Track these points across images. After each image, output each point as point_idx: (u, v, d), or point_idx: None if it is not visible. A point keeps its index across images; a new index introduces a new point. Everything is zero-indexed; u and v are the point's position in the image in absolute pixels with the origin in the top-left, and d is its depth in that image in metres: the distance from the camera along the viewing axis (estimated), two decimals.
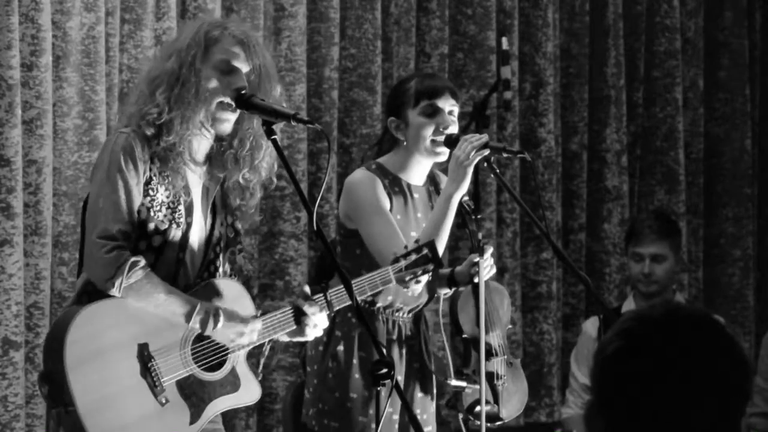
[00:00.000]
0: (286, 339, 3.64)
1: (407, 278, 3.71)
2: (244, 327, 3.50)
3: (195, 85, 3.49)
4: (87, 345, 3.37)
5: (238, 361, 3.56)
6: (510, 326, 4.52)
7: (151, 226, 3.49)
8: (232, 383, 3.56)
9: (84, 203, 3.58)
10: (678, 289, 5.91)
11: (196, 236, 3.57)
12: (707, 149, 6.75)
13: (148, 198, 3.49)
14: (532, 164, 4.77)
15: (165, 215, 3.51)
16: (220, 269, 3.64)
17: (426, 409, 4.19)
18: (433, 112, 4.06)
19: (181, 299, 3.46)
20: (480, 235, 4.03)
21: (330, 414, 4.05)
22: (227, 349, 3.53)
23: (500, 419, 4.25)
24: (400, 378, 4.10)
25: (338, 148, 5.55)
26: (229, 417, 4.32)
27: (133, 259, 3.41)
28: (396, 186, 4.11)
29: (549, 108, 6.15)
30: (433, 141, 4.05)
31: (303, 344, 4.19)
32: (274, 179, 3.70)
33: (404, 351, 4.14)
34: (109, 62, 4.83)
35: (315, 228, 3.22)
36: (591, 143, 6.36)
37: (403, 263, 3.71)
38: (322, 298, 3.57)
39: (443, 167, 4.17)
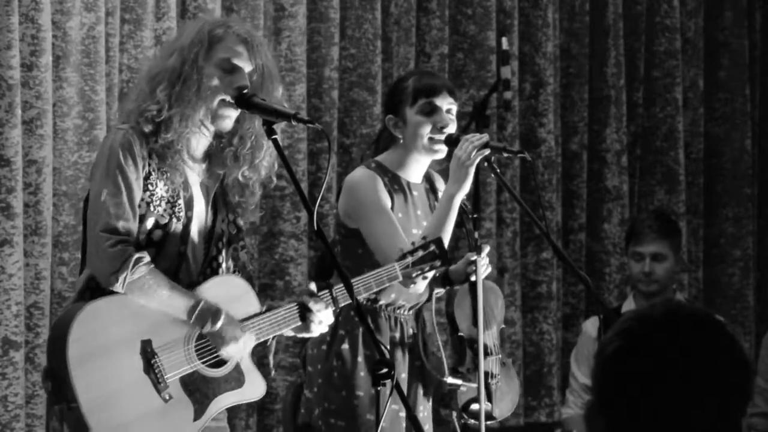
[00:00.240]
0: (291, 334, 3.63)
1: (414, 274, 3.71)
2: (241, 334, 3.49)
3: (197, 82, 3.49)
4: (90, 342, 3.37)
5: (243, 357, 3.56)
6: (503, 325, 4.53)
7: (151, 220, 3.49)
8: (237, 379, 3.55)
9: (85, 201, 3.58)
10: (678, 289, 5.91)
11: (197, 231, 3.57)
12: (707, 149, 6.75)
13: (148, 193, 3.49)
14: (532, 164, 4.77)
15: (165, 209, 3.51)
16: (223, 265, 3.64)
17: (426, 407, 4.20)
18: (431, 111, 4.06)
19: (183, 296, 3.46)
20: (477, 234, 4.04)
21: (337, 413, 4.05)
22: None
23: (493, 418, 4.26)
24: (404, 376, 4.10)
25: (338, 148, 5.55)
26: (229, 417, 4.31)
27: (137, 255, 3.42)
28: (396, 184, 4.11)
29: (549, 108, 6.15)
30: (430, 139, 4.05)
31: (303, 344, 4.19)
32: (274, 178, 3.70)
33: (407, 349, 4.15)
34: (109, 62, 4.83)
35: (315, 228, 3.22)
36: (591, 143, 6.36)
37: (410, 259, 3.71)
38: (328, 294, 3.56)
39: (443, 167, 4.17)
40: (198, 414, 3.49)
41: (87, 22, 4.75)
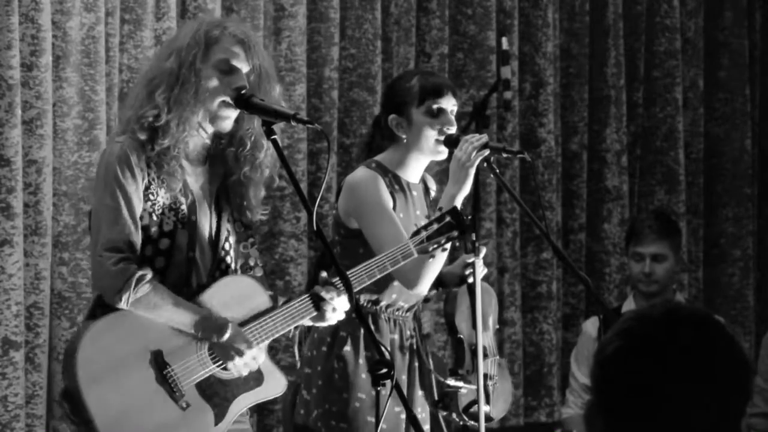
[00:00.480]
0: (309, 323, 3.61)
1: (431, 248, 3.67)
2: (247, 348, 3.46)
3: (195, 85, 3.48)
4: (99, 360, 3.37)
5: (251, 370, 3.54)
6: (497, 326, 4.53)
7: (156, 229, 3.49)
8: (256, 378, 3.55)
9: (89, 217, 3.58)
10: (678, 289, 5.91)
11: (204, 235, 3.57)
12: (707, 149, 6.75)
13: (149, 203, 3.48)
14: (532, 164, 4.77)
15: (168, 217, 3.51)
16: (233, 266, 3.63)
17: (425, 407, 4.20)
18: (438, 112, 4.05)
19: (188, 311, 3.45)
20: (473, 236, 4.03)
21: (338, 415, 4.03)
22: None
23: (491, 419, 4.27)
24: (403, 378, 4.09)
25: (338, 148, 5.55)
26: None
27: (139, 273, 3.41)
28: (396, 183, 4.10)
29: (549, 108, 6.15)
30: (436, 141, 4.05)
31: (300, 345, 4.19)
32: (276, 177, 3.70)
33: (406, 351, 4.14)
34: (109, 62, 4.83)
35: (315, 228, 3.21)
36: (591, 143, 6.36)
37: (424, 234, 3.66)
38: (341, 281, 3.50)
39: (443, 167, 4.17)
40: (219, 418, 3.49)
41: (87, 22, 4.75)
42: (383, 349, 3.24)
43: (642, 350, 1.98)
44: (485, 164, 3.96)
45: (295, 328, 3.59)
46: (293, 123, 3.44)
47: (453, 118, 4.07)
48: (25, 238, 4.61)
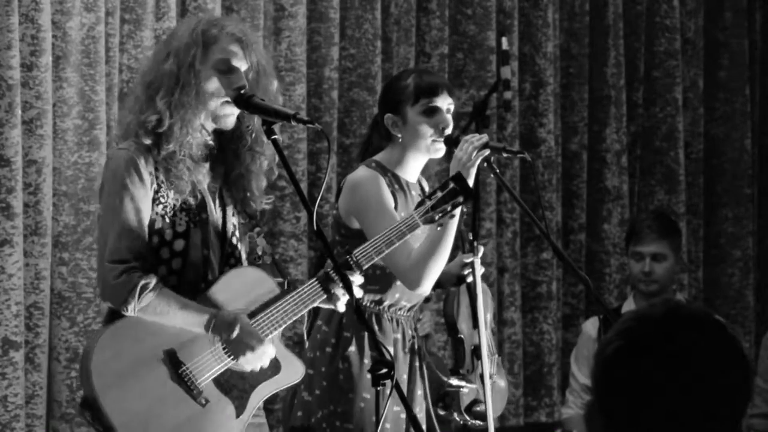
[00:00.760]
0: (324, 306, 3.60)
1: (437, 216, 3.61)
2: (257, 344, 3.46)
3: (195, 87, 3.48)
4: (113, 365, 3.38)
5: (274, 343, 3.53)
6: (494, 324, 4.54)
7: (170, 231, 3.49)
8: (273, 367, 3.54)
9: (97, 225, 3.59)
10: (678, 289, 5.92)
11: (214, 232, 3.57)
12: (707, 149, 6.75)
13: (161, 206, 3.49)
14: (532, 164, 4.77)
15: (180, 218, 3.51)
16: (242, 258, 3.64)
17: (422, 408, 4.20)
18: (433, 111, 4.05)
19: (196, 312, 3.45)
20: (470, 236, 4.03)
21: (343, 415, 4.02)
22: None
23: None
24: (405, 377, 4.09)
25: (338, 148, 5.55)
26: None
27: (142, 282, 3.41)
28: (396, 183, 4.10)
29: (549, 108, 6.15)
30: (432, 139, 4.05)
31: (301, 345, 4.19)
32: (275, 169, 3.70)
33: (407, 350, 4.14)
34: (109, 62, 4.83)
35: (315, 228, 3.21)
36: (591, 143, 6.36)
37: (428, 203, 3.60)
38: (341, 281, 3.48)
39: (443, 167, 4.17)
40: (240, 410, 3.50)
41: (87, 22, 4.75)
42: (384, 349, 3.24)
43: (642, 350, 1.98)
44: (485, 164, 3.96)
45: (308, 314, 3.58)
46: (293, 123, 3.44)
47: (449, 116, 4.06)
48: (25, 238, 4.61)
